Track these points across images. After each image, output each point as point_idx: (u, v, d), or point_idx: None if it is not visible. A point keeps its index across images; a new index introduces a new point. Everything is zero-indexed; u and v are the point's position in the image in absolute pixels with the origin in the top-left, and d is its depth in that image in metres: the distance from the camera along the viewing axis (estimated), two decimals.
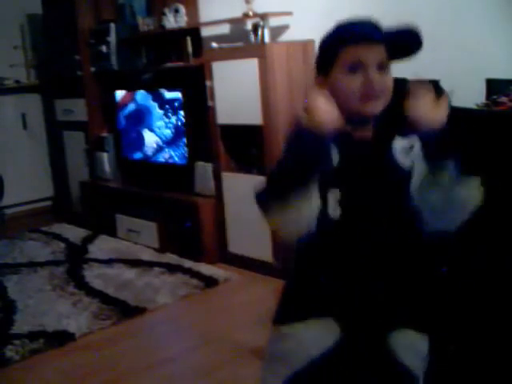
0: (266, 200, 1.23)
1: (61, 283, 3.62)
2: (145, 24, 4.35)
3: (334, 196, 1.26)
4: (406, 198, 1.28)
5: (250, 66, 3.38)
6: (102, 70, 4.62)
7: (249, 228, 3.51)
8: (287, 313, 1.39)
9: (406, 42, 1.29)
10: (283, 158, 1.22)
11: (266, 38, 3.46)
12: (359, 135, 1.31)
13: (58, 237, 4.60)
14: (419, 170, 1.29)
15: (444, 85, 2.68)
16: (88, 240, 4.45)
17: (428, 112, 1.21)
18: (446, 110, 1.23)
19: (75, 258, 4.08)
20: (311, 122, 1.17)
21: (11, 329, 3.03)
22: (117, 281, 3.59)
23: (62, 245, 4.40)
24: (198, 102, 3.81)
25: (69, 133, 5.01)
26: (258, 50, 3.38)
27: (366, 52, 1.25)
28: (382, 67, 1.27)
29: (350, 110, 1.27)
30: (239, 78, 3.48)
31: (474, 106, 2.40)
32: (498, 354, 1.86)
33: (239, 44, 3.66)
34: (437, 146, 1.23)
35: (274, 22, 3.57)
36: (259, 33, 3.48)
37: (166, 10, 4.16)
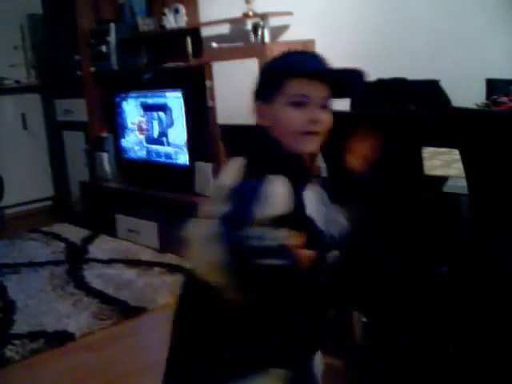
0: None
1: (61, 283, 3.61)
2: (145, 24, 4.35)
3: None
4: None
5: (250, 65, 3.37)
6: (102, 70, 4.62)
7: None
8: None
9: (349, 81, 1.27)
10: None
11: (266, 38, 3.46)
12: None
13: (57, 237, 4.59)
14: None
15: (444, 85, 2.70)
16: (88, 240, 4.45)
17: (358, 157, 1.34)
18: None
19: (75, 258, 4.07)
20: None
21: (11, 329, 3.02)
22: (117, 281, 3.58)
23: (62, 245, 4.39)
24: (198, 102, 3.81)
25: (69, 133, 5.01)
26: (258, 50, 3.38)
27: (312, 88, 1.21)
28: (325, 105, 1.24)
29: (288, 143, 1.24)
30: (239, 78, 3.47)
31: (474, 106, 2.40)
32: (498, 354, 1.86)
33: (239, 44, 3.66)
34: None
35: (274, 21, 3.57)
36: (259, 33, 3.48)
37: (166, 10, 4.17)
